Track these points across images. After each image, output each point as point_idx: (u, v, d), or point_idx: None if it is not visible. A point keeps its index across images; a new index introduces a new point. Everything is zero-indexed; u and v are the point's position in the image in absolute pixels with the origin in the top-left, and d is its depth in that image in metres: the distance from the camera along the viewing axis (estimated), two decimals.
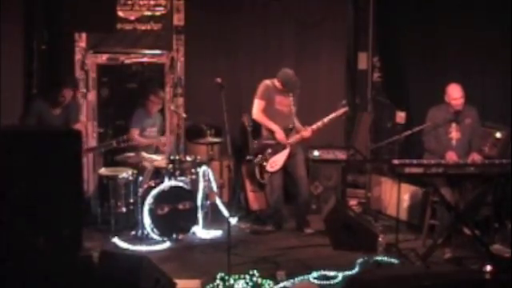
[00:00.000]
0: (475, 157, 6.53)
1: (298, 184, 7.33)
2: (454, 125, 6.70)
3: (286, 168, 7.33)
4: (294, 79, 7.19)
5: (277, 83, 7.21)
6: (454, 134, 6.69)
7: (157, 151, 7.78)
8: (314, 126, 7.19)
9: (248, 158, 7.27)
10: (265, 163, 7.18)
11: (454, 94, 6.62)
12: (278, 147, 7.18)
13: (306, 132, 7.18)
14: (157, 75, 8.49)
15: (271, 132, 7.20)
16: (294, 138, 7.20)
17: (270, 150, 7.18)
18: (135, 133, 7.52)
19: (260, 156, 7.18)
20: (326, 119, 7.17)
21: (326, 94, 8.82)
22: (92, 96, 8.10)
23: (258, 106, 7.25)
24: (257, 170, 7.36)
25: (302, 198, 7.36)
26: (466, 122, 6.71)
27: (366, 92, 8.93)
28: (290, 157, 7.24)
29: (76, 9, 6.85)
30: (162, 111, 8.07)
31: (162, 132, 7.97)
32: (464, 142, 6.69)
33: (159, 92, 7.77)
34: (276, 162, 7.18)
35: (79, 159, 5.12)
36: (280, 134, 7.16)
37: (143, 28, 8.24)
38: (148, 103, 7.63)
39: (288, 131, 7.22)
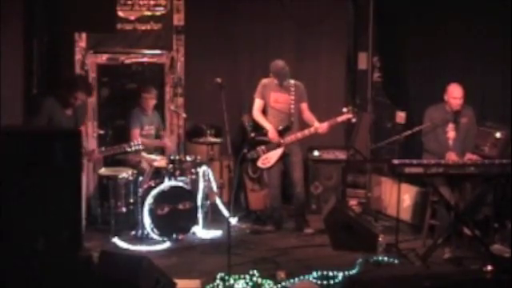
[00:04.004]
0: (469, 156, 6.54)
1: (293, 185, 7.35)
2: (450, 124, 6.70)
3: (283, 168, 7.34)
4: (282, 68, 7.18)
5: (274, 78, 7.22)
6: (451, 133, 6.70)
7: (157, 150, 7.78)
8: (312, 129, 7.16)
9: (243, 151, 7.27)
10: (257, 159, 7.19)
11: (455, 93, 6.63)
12: (272, 145, 7.19)
13: (321, 127, 7.11)
14: (157, 75, 8.48)
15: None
16: (289, 138, 7.20)
17: (263, 147, 7.19)
18: (136, 133, 7.51)
19: (253, 151, 7.19)
20: (326, 123, 7.15)
21: (325, 94, 8.82)
22: (92, 96, 8.08)
23: (255, 105, 7.32)
24: (249, 165, 7.43)
25: (297, 200, 7.37)
26: (463, 122, 6.72)
27: (366, 92, 8.92)
28: (286, 156, 7.25)
29: (76, 9, 6.84)
30: (160, 110, 8.06)
31: (158, 132, 7.91)
32: (461, 142, 6.70)
33: (151, 88, 7.76)
34: (268, 159, 7.20)
35: (79, 159, 5.12)
36: (272, 134, 7.17)
37: (143, 28, 8.23)
38: (142, 101, 7.64)
39: (285, 130, 7.22)
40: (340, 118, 7.18)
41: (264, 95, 7.28)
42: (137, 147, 7.07)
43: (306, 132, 7.20)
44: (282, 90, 7.25)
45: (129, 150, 7.07)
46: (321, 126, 7.13)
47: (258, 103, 7.30)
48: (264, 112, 7.30)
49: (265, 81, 7.32)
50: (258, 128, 7.36)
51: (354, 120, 7.29)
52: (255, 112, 7.31)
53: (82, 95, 6.82)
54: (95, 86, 8.14)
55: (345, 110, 7.19)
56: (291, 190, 7.45)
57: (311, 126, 7.22)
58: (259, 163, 7.24)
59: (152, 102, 7.69)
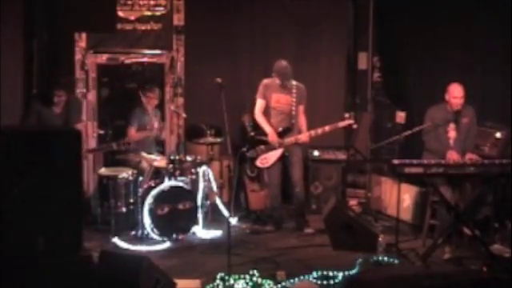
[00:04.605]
0: (470, 156, 6.54)
1: (293, 185, 7.35)
2: (451, 124, 6.70)
3: (283, 167, 7.35)
4: (285, 68, 7.18)
5: (275, 78, 7.23)
6: (452, 133, 6.70)
7: (157, 148, 7.79)
8: (313, 132, 7.20)
9: (242, 149, 7.28)
10: (256, 158, 7.20)
11: (455, 93, 6.63)
12: (271, 145, 7.19)
13: (303, 136, 7.19)
14: (157, 75, 8.48)
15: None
16: (289, 139, 7.20)
17: (263, 147, 7.19)
18: (132, 131, 7.52)
19: (253, 150, 7.20)
20: (327, 127, 7.17)
21: (325, 94, 8.82)
22: (92, 96, 8.10)
23: (257, 105, 7.31)
24: (248, 164, 7.47)
25: (296, 199, 7.37)
26: (464, 121, 6.72)
27: (366, 92, 8.93)
28: (286, 157, 7.25)
29: (76, 9, 6.86)
30: (160, 109, 8.06)
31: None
32: (461, 141, 6.70)
33: (154, 88, 7.77)
34: (267, 159, 7.20)
35: (79, 159, 5.12)
36: (272, 137, 7.17)
37: (143, 28, 8.23)
38: (144, 100, 7.63)
39: (285, 131, 7.21)
40: (341, 124, 7.20)
41: (266, 96, 7.27)
42: (126, 146, 7.07)
43: (299, 137, 7.21)
44: (284, 90, 7.25)
45: (116, 148, 7.08)
46: (301, 138, 7.18)
47: (259, 103, 7.29)
48: (265, 112, 7.30)
49: (266, 81, 7.31)
50: (258, 128, 7.35)
51: (354, 126, 7.32)
52: (257, 113, 7.29)
53: (60, 92, 6.90)
54: (95, 85, 8.15)
55: (347, 115, 7.23)
56: (291, 190, 7.45)
57: (301, 130, 7.24)
58: (258, 163, 7.25)
59: (154, 102, 7.70)
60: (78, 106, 7.49)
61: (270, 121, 7.25)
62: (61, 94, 7.02)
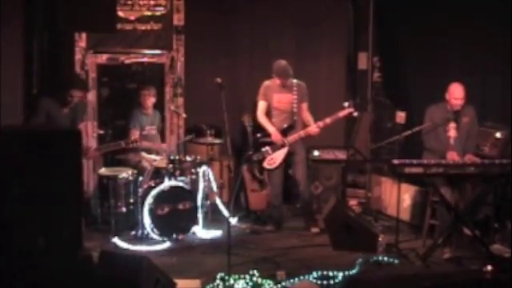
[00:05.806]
0: (469, 157, 6.54)
1: (296, 185, 7.36)
2: (452, 124, 6.70)
3: (286, 167, 7.35)
4: (284, 67, 7.19)
5: (275, 79, 7.23)
6: (452, 132, 6.69)
7: (157, 151, 7.79)
8: (321, 123, 7.18)
9: (248, 153, 7.28)
10: (263, 160, 7.19)
11: (456, 93, 6.63)
12: (276, 145, 7.19)
13: (313, 128, 7.17)
14: (157, 75, 8.48)
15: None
16: (292, 137, 7.20)
17: (268, 148, 7.19)
18: (136, 134, 7.52)
19: (259, 152, 7.20)
20: (328, 119, 7.15)
21: (326, 94, 8.82)
22: (92, 96, 8.10)
23: (259, 107, 7.32)
24: (255, 166, 7.43)
25: (301, 199, 7.38)
26: (464, 121, 6.72)
27: (366, 92, 8.93)
28: (290, 156, 7.25)
29: (76, 9, 6.84)
30: (160, 110, 8.06)
31: (162, 132, 7.93)
32: (462, 141, 6.70)
33: (149, 86, 7.77)
34: (274, 159, 7.20)
35: (79, 159, 5.12)
36: (276, 136, 7.17)
37: (143, 28, 8.23)
38: (141, 99, 7.64)
39: (288, 129, 7.22)
40: (342, 113, 7.19)
41: (267, 97, 7.27)
42: (134, 144, 7.08)
43: (302, 133, 7.21)
44: (285, 90, 7.26)
45: (125, 145, 7.07)
46: (311, 130, 7.17)
47: (261, 105, 7.30)
48: (267, 113, 7.30)
49: (267, 83, 7.32)
50: (259, 128, 7.36)
51: (355, 114, 7.31)
52: (259, 114, 7.30)
53: (77, 92, 6.88)
54: (95, 85, 8.15)
55: (346, 104, 7.22)
56: (294, 190, 7.46)
57: (308, 126, 7.23)
58: (265, 164, 7.24)
59: (151, 100, 7.69)
60: (84, 106, 7.48)
61: (272, 120, 7.26)
62: (77, 95, 6.97)
